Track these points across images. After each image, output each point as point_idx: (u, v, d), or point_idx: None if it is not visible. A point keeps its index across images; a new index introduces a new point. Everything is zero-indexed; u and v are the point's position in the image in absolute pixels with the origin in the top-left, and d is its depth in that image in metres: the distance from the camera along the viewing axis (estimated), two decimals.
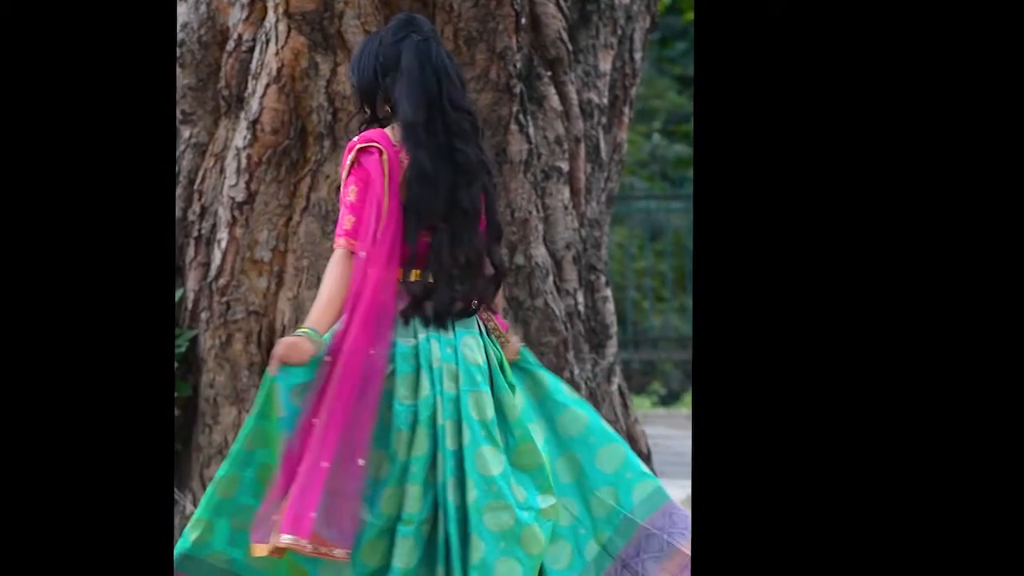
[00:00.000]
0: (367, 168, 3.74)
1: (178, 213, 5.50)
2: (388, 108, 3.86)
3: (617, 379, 5.93)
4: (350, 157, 3.77)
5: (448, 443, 3.73)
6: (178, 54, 5.53)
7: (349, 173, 3.76)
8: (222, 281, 5.24)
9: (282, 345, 3.65)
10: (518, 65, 5.30)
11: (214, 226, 5.34)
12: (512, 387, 3.88)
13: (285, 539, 3.56)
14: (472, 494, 3.71)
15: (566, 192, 5.58)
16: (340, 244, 3.75)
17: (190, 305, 5.36)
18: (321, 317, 3.69)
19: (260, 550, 3.63)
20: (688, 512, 3.85)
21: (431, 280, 3.81)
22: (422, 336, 3.78)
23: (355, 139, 3.80)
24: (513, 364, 3.97)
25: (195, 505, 5.21)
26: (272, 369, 3.65)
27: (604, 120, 5.96)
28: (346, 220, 3.74)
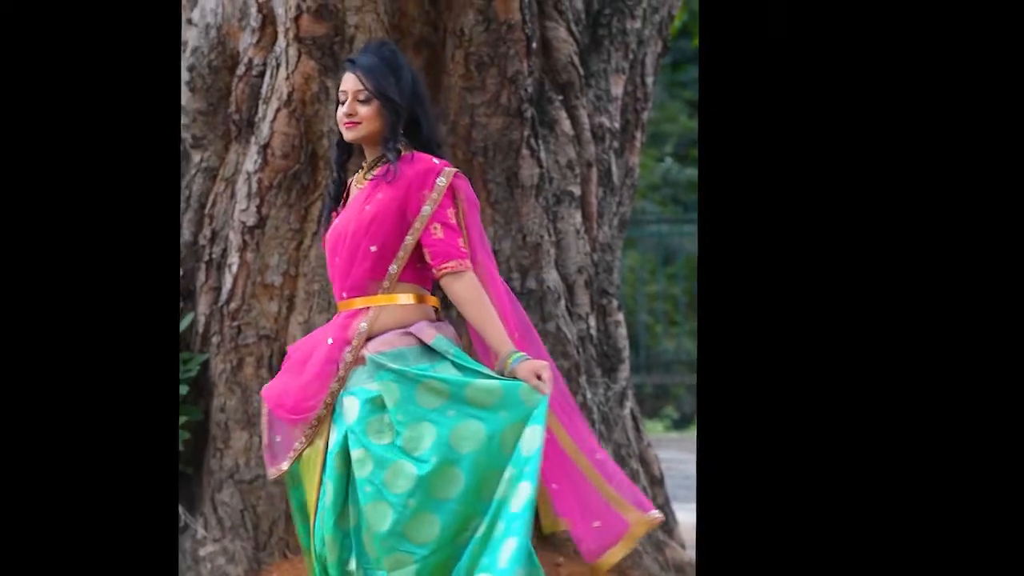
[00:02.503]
0: (464, 191, 3.73)
1: (189, 237, 5.50)
2: (401, 131, 3.81)
3: (629, 403, 5.91)
4: (442, 180, 3.68)
5: None
6: (188, 79, 5.54)
7: (444, 195, 3.69)
8: (233, 305, 5.24)
9: (548, 370, 3.61)
10: (529, 89, 5.30)
11: (225, 250, 5.34)
12: None
13: (655, 514, 3.69)
14: None
15: (578, 216, 5.58)
16: (469, 267, 3.70)
17: (201, 329, 5.35)
18: (510, 340, 3.67)
19: (616, 554, 3.65)
20: None
21: None
22: None
23: (435, 161, 3.71)
24: None
25: (207, 529, 5.20)
26: (550, 392, 3.61)
27: (616, 144, 5.95)
28: (462, 243, 3.70)
